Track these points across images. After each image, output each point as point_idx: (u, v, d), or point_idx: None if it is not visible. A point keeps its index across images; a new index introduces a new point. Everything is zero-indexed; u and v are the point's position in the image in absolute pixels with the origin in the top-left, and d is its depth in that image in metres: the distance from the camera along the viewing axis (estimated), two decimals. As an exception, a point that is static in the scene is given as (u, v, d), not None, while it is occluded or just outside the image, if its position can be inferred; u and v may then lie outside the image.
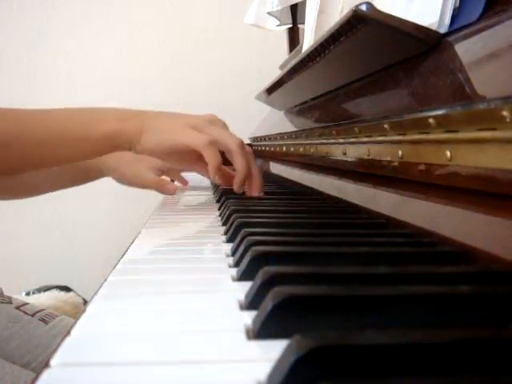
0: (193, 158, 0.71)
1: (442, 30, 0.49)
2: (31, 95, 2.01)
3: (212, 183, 1.05)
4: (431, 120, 0.40)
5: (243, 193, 0.73)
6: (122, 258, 0.45)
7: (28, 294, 1.66)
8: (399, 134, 0.48)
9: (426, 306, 0.26)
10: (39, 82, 2.03)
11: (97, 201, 2.03)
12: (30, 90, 2.02)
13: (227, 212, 0.60)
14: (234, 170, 0.72)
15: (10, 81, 2.02)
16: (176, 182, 1.10)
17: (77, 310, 1.39)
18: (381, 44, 0.56)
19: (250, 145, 1.46)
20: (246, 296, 0.31)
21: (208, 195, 0.94)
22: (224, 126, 0.74)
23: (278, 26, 1.46)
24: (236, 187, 0.71)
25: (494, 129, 0.33)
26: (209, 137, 0.67)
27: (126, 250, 0.48)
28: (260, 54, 1.95)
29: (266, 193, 0.74)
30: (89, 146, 0.69)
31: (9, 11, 2.00)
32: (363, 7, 0.50)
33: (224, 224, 0.59)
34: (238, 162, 0.69)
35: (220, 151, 0.70)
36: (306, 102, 0.97)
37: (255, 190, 0.73)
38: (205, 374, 0.22)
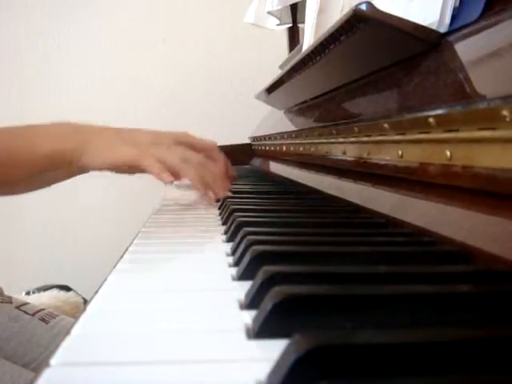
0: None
1: (442, 30, 0.49)
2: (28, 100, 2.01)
3: None
4: (431, 119, 0.40)
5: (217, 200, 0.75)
6: (121, 257, 0.45)
7: (28, 293, 1.66)
8: (399, 134, 0.48)
9: (425, 306, 0.26)
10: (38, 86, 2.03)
11: (97, 201, 2.03)
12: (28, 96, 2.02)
13: (227, 211, 0.60)
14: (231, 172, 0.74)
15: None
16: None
17: (77, 310, 1.39)
18: (381, 43, 0.56)
19: (250, 144, 1.46)
20: (246, 295, 0.31)
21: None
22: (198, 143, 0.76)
23: (277, 25, 1.46)
24: (204, 200, 0.73)
25: (493, 128, 0.33)
26: (144, 151, 0.69)
27: (126, 250, 0.48)
28: (260, 53, 1.95)
29: (265, 192, 0.74)
30: (30, 166, 0.71)
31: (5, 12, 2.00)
32: (363, 7, 0.50)
33: (224, 223, 0.59)
34: (188, 176, 0.71)
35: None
36: (305, 102, 0.97)
37: (218, 193, 0.74)
38: (205, 373, 0.22)
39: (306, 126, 0.89)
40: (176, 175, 0.71)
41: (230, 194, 0.75)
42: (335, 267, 0.33)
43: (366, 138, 0.56)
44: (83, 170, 0.73)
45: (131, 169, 0.72)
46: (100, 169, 0.72)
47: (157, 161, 0.69)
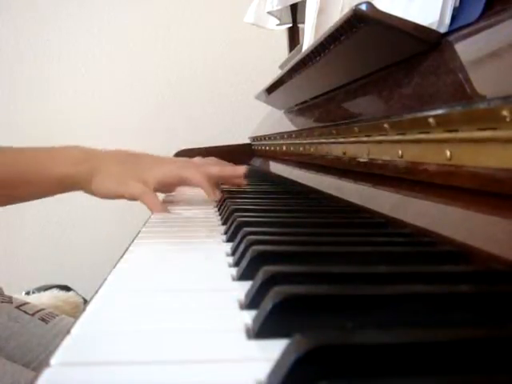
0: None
1: (442, 30, 0.49)
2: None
3: None
4: (431, 120, 0.40)
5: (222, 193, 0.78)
6: (121, 257, 0.45)
7: (28, 293, 1.66)
8: (399, 134, 0.48)
9: (425, 306, 0.26)
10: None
11: (97, 201, 2.02)
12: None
13: (227, 211, 0.60)
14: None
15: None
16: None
17: (77, 310, 1.39)
18: (381, 43, 0.56)
19: (249, 144, 1.46)
20: (246, 295, 0.31)
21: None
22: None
23: (277, 25, 1.46)
24: (212, 197, 0.75)
25: (493, 128, 0.33)
26: (149, 185, 0.72)
27: (126, 250, 0.48)
28: (260, 53, 1.95)
29: (265, 192, 0.75)
30: (40, 188, 0.75)
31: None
32: (363, 7, 0.50)
33: (224, 224, 0.59)
34: (195, 182, 0.75)
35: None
36: (305, 102, 0.97)
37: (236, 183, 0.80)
38: (205, 373, 0.22)
39: (306, 126, 0.89)
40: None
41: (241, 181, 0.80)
42: (335, 267, 0.33)
43: (366, 138, 0.56)
44: (90, 194, 0.76)
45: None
46: (104, 197, 0.75)
47: (158, 188, 0.74)
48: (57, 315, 0.85)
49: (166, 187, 0.79)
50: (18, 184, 0.74)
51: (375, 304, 0.26)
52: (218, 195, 0.74)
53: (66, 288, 1.72)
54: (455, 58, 0.46)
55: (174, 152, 1.41)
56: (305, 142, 0.84)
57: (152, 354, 0.24)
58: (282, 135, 1.01)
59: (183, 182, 0.77)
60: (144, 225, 0.62)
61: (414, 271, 0.32)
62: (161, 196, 0.95)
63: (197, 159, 0.84)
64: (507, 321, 0.25)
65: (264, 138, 1.22)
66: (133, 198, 0.73)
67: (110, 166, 0.75)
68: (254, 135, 1.40)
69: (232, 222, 0.52)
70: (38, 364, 0.75)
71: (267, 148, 1.21)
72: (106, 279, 0.37)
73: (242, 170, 0.79)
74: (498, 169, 0.33)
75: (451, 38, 0.48)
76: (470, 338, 0.21)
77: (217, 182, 0.78)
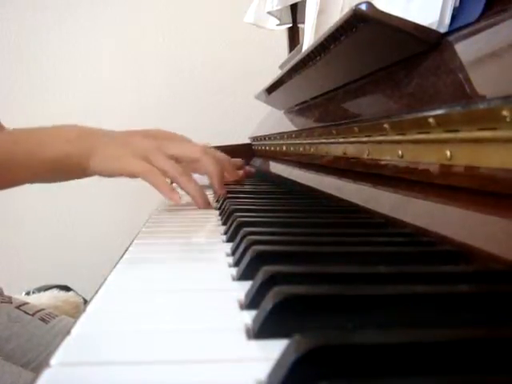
0: None
1: (442, 30, 0.49)
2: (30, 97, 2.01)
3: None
4: (431, 120, 0.40)
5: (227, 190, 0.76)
6: (121, 257, 0.45)
7: (28, 293, 1.66)
8: (399, 134, 0.48)
9: (425, 306, 0.26)
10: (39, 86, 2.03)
11: (97, 200, 2.03)
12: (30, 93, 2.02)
13: (227, 211, 0.60)
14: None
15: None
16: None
17: (77, 310, 1.39)
18: (381, 43, 0.56)
19: (250, 144, 1.46)
20: (246, 295, 0.31)
21: (208, 194, 0.94)
22: (175, 138, 0.78)
23: (277, 25, 1.46)
24: (218, 189, 0.73)
25: (494, 128, 0.33)
26: (152, 166, 0.68)
27: (126, 250, 0.48)
28: (260, 53, 1.95)
29: (265, 192, 0.75)
30: (35, 169, 0.71)
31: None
32: (363, 7, 0.50)
33: (224, 223, 0.59)
34: (205, 166, 0.71)
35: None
36: (305, 102, 0.97)
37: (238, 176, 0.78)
38: (205, 373, 0.22)
39: (306, 126, 0.89)
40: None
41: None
42: (335, 267, 0.33)
43: (365, 138, 0.56)
44: (89, 174, 0.72)
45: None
46: (106, 176, 0.72)
47: (164, 174, 0.69)
48: (57, 315, 0.85)
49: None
50: (7, 166, 0.70)
51: (375, 304, 0.26)
52: (224, 188, 0.73)
53: (66, 288, 1.72)
54: (455, 58, 0.46)
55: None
56: (305, 142, 0.84)
57: (152, 354, 0.24)
58: (282, 135, 1.01)
59: (193, 166, 0.73)
60: (144, 225, 0.62)
61: (414, 271, 0.32)
62: (161, 197, 0.95)
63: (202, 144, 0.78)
64: (507, 321, 0.25)
65: (264, 138, 1.22)
66: (132, 176, 0.69)
67: (108, 142, 0.72)
68: (254, 135, 1.40)
69: (232, 222, 0.52)
70: (38, 364, 0.75)
71: (267, 148, 1.21)
72: (106, 279, 0.37)
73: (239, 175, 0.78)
74: (498, 169, 0.33)
75: (451, 38, 0.48)
76: (470, 338, 0.21)
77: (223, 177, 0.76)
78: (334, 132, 0.67)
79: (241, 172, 0.78)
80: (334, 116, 0.75)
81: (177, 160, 0.70)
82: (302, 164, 0.89)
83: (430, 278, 0.31)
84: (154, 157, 0.69)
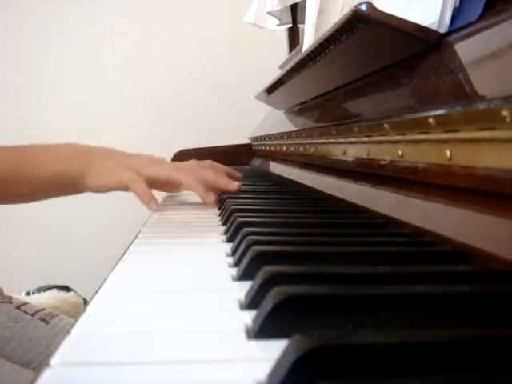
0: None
1: (442, 30, 0.49)
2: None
3: None
4: (431, 120, 0.40)
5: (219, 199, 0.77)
6: (121, 257, 0.45)
7: (28, 293, 1.65)
8: (399, 134, 0.48)
9: (425, 306, 0.26)
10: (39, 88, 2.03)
11: (97, 201, 2.02)
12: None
13: (227, 212, 0.60)
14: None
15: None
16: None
17: (77, 310, 1.39)
18: (381, 44, 0.56)
19: (250, 145, 1.46)
20: (246, 295, 0.31)
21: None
22: (165, 163, 0.81)
23: (277, 25, 1.46)
24: (209, 203, 0.74)
25: (493, 129, 0.33)
26: (140, 176, 0.72)
27: (126, 250, 0.48)
28: (260, 53, 1.95)
29: (266, 192, 0.75)
30: (33, 186, 0.74)
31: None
32: (363, 7, 0.50)
33: (224, 224, 0.59)
34: (186, 184, 0.74)
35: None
36: (306, 102, 0.97)
37: (226, 187, 0.78)
38: (205, 373, 0.22)
39: (306, 126, 0.89)
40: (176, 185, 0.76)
41: (236, 187, 0.78)
42: (335, 267, 0.33)
43: (366, 138, 0.56)
44: (84, 190, 0.75)
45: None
46: (98, 191, 0.75)
47: (148, 183, 0.72)
48: (57, 315, 0.85)
49: (157, 186, 0.79)
50: (11, 182, 0.73)
51: (375, 304, 0.26)
52: (211, 198, 0.73)
53: (66, 288, 1.72)
54: (455, 58, 0.46)
55: (174, 152, 1.41)
56: (305, 142, 0.84)
57: (152, 354, 0.24)
58: (282, 135, 1.01)
59: (175, 183, 0.76)
60: (144, 225, 0.62)
61: (414, 271, 0.32)
62: (158, 195, 0.95)
63: (192, 162, 0.83)
64: (507, 321, 0.25)
65: (264, 138, 1.22)
66: (123, 187, 0.72)
67: (103, 160, 0.75)
68: (254, 135, 1.40)
69: (232, 222, 0.52)
70: (38, 364, 0.75)
71: (267, 148, 1.21)
72: (106, 279, 0.37)
73: (234, 186, 0.77)
74: (498, 169, 0.33)
75: (451, 38, 0.48)
76: (470, 338, 0.21)
77: (213, 186, 0.77)
78: (334, 132, 0.67)
79: (237, 183, 0.78)
80: (334, 116, 0.75)
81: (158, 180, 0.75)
82: (302, 164, 0.89)
83: (429, 278, 0.31)
84: (144, 169, 0.73)
